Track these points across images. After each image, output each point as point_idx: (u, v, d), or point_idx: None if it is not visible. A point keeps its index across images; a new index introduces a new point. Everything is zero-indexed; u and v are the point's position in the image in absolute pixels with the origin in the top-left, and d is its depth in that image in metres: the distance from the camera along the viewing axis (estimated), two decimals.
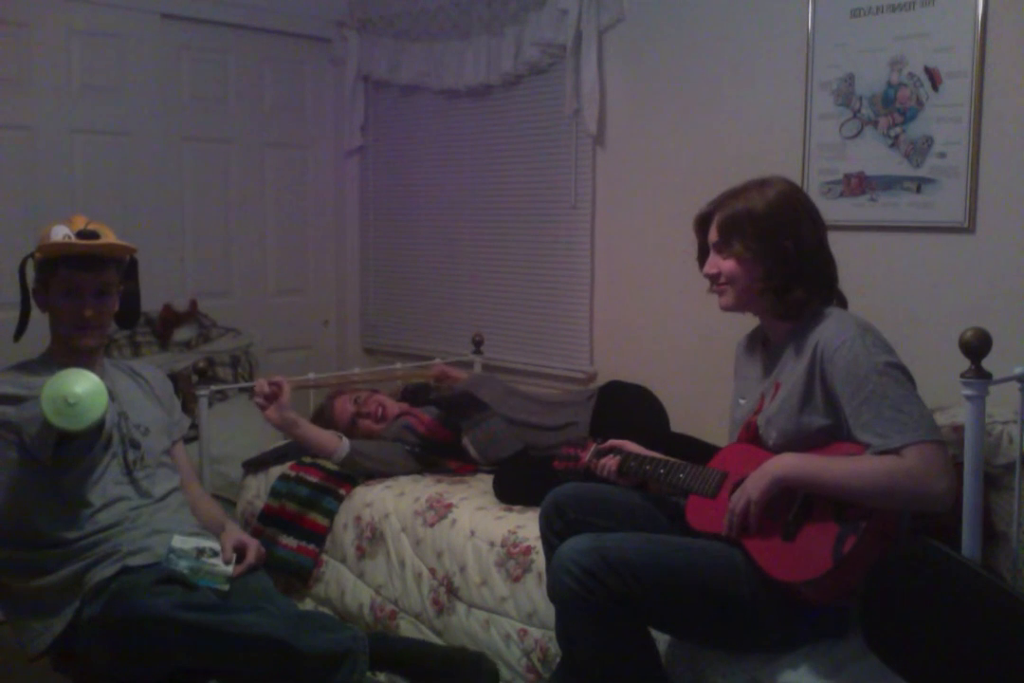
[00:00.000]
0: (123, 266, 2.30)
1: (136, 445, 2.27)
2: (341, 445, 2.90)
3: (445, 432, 3.10)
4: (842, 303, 2.05)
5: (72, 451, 2.09)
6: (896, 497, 1.77)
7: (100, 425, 2.08)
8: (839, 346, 1.86)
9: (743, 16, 3.12)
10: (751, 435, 2.05)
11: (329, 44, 4.47)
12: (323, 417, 3.24)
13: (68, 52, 3.77)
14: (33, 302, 2.26)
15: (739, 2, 3.13)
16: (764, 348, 2.12)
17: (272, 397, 2.74)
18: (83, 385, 1.97)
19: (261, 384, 2.74)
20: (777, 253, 1.96)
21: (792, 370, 1.97)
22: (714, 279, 2.06)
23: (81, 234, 2.18)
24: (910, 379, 1.86)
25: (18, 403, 2.11)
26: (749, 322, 2.20)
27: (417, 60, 4.11)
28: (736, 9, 3.14)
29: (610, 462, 2.21)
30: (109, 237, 2.23)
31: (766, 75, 3.08)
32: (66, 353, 2.23)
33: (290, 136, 4.46)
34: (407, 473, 3.02)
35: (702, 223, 2.09)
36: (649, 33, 3.38)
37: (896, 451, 1.77)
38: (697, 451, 2.59)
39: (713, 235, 2.04)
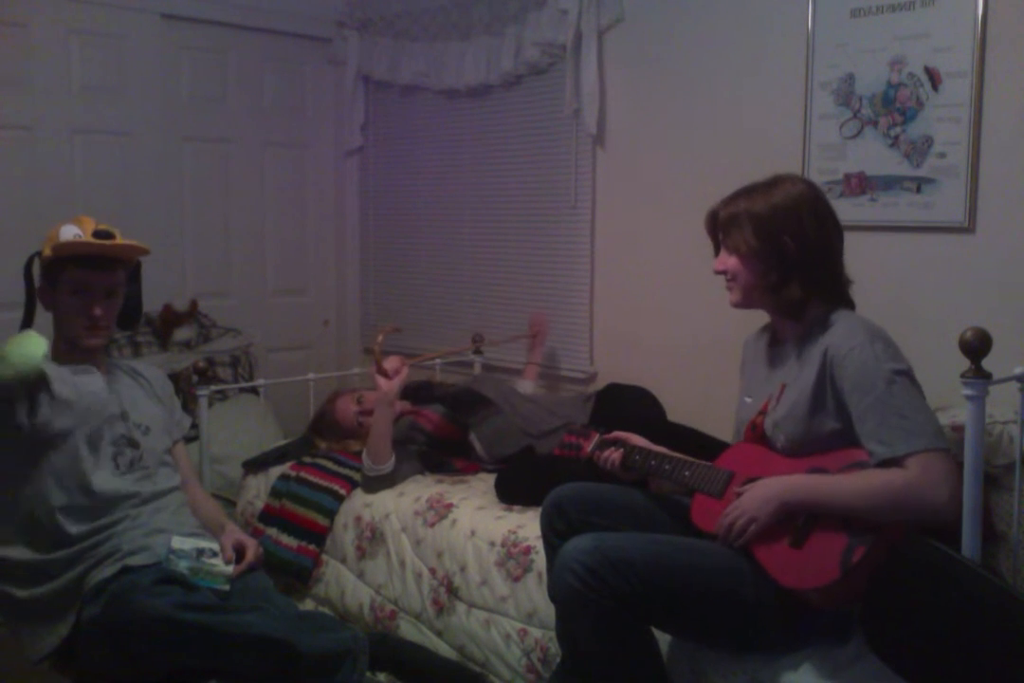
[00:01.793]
0: (130, 268, 2.31)
1: (135, 445, 2.27)
2: (392, 460, 2.93)
3: (452, 429, 3.11)
4: (849, 307, 2.04)
5: (39, 416, 2.09)
6: (899, 512, 1.77)
7: (40, 380, 2.07)
8: (848, 352, 1.86)
9: (743, 16, 3.12)
10: (757, 436, 2.04)
11: (329, 44, 4.47)
12: (325, 420, 3.23)
13: (68, 52, 3.77)
14: (40, 299, 2.26)
15: (739, 2, 3.13)
16: (770, 346, 2.12)
17: (396, 373, 2.93)
18: (14, 341, 2.04)
19: (394, 360, 2.96)
20: (776, 251, 1.96)
21: (799, 374, 1.96)
22: (724, 275, 2.07)
23: (97, 234, 2.19)
24: (918, 387, 1.86)
25: None
26: (750, 321, 2.20)
27: (417, 60, 4.11)
28: (736, 9, 3.14)
29: (614, 455, 2.18)
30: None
31: (766, 75, 3.08)
32: (69, 352, 2.23)
33: (290, 136, 4.46)
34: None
35: (712, 220, 2.10)
36: (649, 33, 3.38)
37: (899, 461, 1.77)
38: (697, 442, 2.60)
39: (720, 232, 2.06)
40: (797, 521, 1.86)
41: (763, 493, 1.88)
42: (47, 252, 2.18)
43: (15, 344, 2.03)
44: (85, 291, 2.19)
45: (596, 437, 2.26)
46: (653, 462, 2.13)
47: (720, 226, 2.04)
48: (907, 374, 1.85)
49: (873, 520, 1.79)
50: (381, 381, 2.91)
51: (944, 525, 1.81)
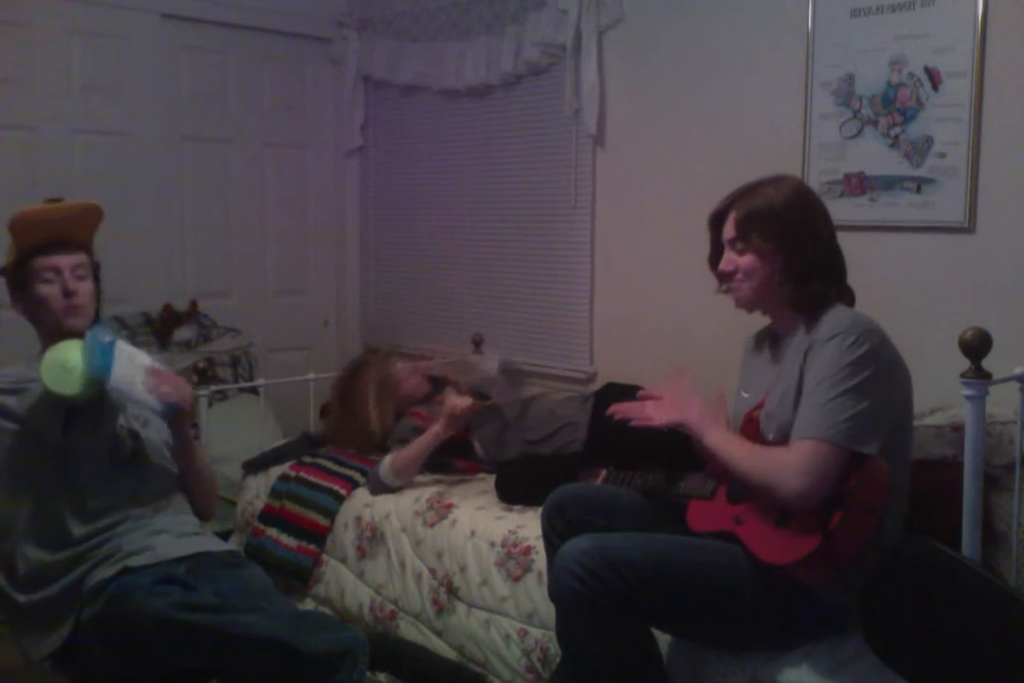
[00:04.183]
0: (91, 258, 2.31)
1: (135, 436, 2.27)
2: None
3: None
4: (851, 299, 2.04)
5: (80, 427, 2.09)
6: (762, 485, 1.84)
7: (100, 397, 2.08)
8: (823, 344, 1.88)
9: (743, 16, 3.12)
10: (752, 428, 2.05)
11: (329, 44, 4.47)
12: (385, 384, 3.20)
13: (68, 52, 3.77)
14: (17, 311, 2.27)
15: (739, 2, 3.13)
16: (771, 344, 2.13)
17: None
18: (81, 353, 2.02)
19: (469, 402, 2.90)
20: (796, 244, 1.97)
21: (790, 366, 1.98)
22: (729, 276, 2.05)
23: (48, 201, 2.23)
24: (876, 386, 1.82)
25: (18, 395, 2.12)
26: (751, 321, 2.20)
27: (417, 60, 4.11)
28: (736, 9, 3.14)
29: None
30: None
31: (766, 75, 3.08)
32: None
33: (290, 136, 4.46)
34: None
35: (717, 220, 2.09)
36: (649, 33, 3.38)
37: (793, 444, 1.82)
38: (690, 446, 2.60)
39: (729, 231, 2.03)
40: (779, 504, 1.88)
41: (691, 410, 2.02)
42: (9, 259, 2.20)
43: (79, 354, 2.01)
44: (56, 274, 2.20)
45: (603, 473, 2.34)
46: (652, 483, 2.20)
47: (736, 225, 2.01)
48: (866, 372, 1.82)
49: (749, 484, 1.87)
50: (454, 398, 2.90)
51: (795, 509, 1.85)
